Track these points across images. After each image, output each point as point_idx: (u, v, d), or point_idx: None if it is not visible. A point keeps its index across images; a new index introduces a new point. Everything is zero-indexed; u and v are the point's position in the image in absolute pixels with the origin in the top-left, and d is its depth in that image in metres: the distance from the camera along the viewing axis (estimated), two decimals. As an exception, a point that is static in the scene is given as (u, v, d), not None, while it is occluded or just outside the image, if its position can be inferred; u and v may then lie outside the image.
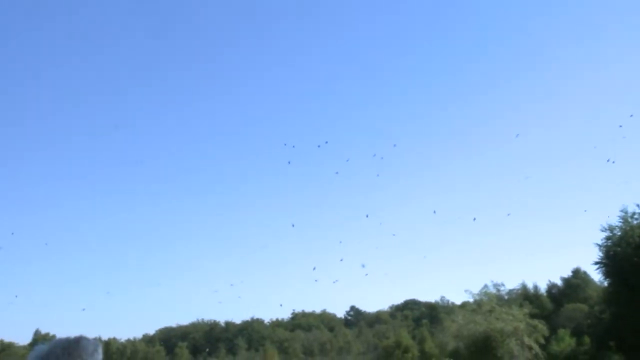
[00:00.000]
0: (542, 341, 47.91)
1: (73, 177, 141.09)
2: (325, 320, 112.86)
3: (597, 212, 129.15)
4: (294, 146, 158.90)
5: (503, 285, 59.22)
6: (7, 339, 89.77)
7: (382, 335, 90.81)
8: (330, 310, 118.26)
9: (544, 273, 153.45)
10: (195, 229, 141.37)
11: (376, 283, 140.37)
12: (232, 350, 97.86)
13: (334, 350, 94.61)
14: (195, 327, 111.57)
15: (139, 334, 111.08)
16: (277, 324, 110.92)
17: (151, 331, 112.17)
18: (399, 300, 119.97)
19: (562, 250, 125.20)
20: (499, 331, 46.49)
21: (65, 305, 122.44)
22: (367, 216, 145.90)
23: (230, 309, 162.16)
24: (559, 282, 78.80)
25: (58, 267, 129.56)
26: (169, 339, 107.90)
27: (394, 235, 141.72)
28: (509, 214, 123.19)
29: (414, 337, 79.91)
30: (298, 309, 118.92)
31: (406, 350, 70.69)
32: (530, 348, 46.64)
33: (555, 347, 54.94)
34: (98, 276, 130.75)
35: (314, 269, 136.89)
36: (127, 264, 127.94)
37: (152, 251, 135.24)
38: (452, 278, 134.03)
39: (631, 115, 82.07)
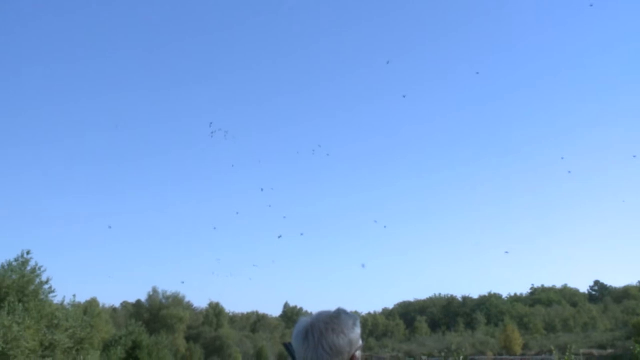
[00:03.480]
0: None
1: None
2: (566, 295, 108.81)
3: None
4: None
5: None
6: (262, 311, 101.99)
7: (632, 311, 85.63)
8: (572, 285, 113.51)
9: None
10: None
11: (622, 257, 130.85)
12: (470, 324, 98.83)
13: (578, 326, 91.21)
14: (432, 301, 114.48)
15: (378, 308, 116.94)
16: (515, 299, 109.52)
17: (390, 305, 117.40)
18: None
19: None
20: None
21: (308, 280, 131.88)
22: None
23: (466, 283, 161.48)
24: None
25: (309, 245, 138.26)
26: (407, 312, 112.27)
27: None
28: None
29: (670, 314, 74.14)
30: (537, 284, 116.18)
31: (661, 328, 65.96)
32: None
33: None
34: (346, 251, 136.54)
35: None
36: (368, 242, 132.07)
37: (391, 229, 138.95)
38: None
39: None
